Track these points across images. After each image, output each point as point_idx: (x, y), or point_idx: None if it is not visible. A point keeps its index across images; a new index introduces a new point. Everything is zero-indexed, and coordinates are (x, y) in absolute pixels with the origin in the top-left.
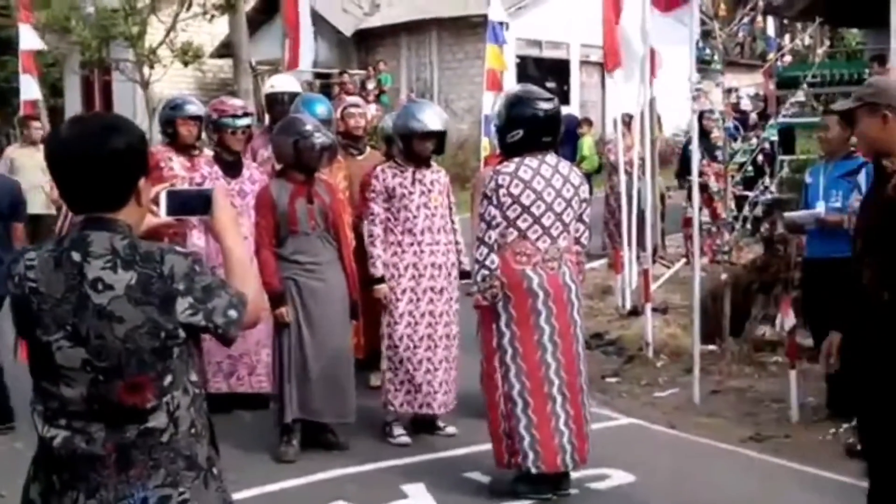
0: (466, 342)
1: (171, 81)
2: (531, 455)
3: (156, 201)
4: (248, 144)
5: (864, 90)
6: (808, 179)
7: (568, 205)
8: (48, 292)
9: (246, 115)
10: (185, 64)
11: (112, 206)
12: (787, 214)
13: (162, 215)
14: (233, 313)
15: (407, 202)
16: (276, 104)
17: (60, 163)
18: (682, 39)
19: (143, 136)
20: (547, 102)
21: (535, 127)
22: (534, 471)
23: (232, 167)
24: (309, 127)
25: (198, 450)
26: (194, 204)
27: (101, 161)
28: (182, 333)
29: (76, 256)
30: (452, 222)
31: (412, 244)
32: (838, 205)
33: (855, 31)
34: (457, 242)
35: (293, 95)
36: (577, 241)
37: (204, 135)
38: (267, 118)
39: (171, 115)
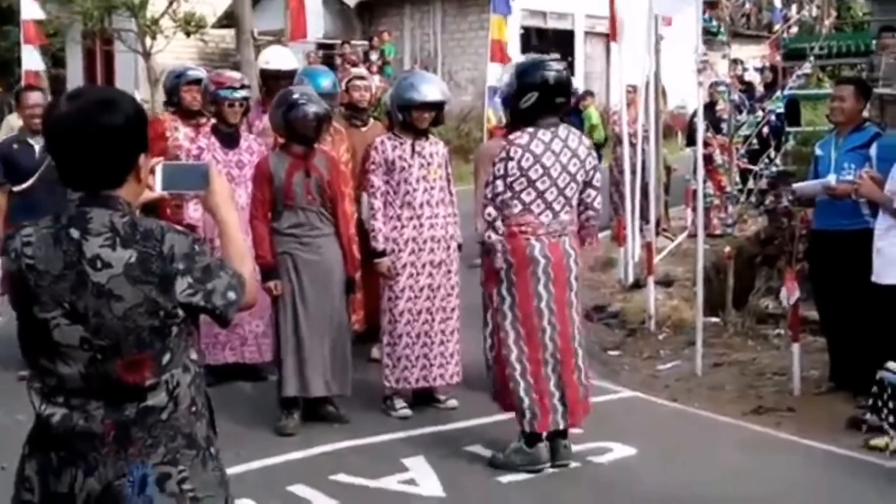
0: (468, 315)
1: (174, 52)
2: (528, 415)
3: (152, 174)
4: (247, 116)
5: None
6: (818, 152)
7: (572, 179)
8: (46, 269)
9: (243, 87)
10: (188, 34)
11: (111, 184)
12: (795, 186)
13: (157, 189)
14: (232, 295)
15: (406, 175)
16: (270, 79)
17: (58, 140)
18: (688, 11)
19: (141, 112)
20: (557, 64)
21: (548, 89)
22: (528, 430)
23: (230, 138)
24: (297, 96)
25: (197, 429)
26: (189, 179)
27: (99, 138)
28: (181, 312)
29: (75, 233)
30: (451, 194)
31: (411, 218)
32: (850, 177)
33: (861, 1)
34: (454, 214)
35: (288, 73)
36: (590, 205)
37: None
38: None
39: (174, 83)
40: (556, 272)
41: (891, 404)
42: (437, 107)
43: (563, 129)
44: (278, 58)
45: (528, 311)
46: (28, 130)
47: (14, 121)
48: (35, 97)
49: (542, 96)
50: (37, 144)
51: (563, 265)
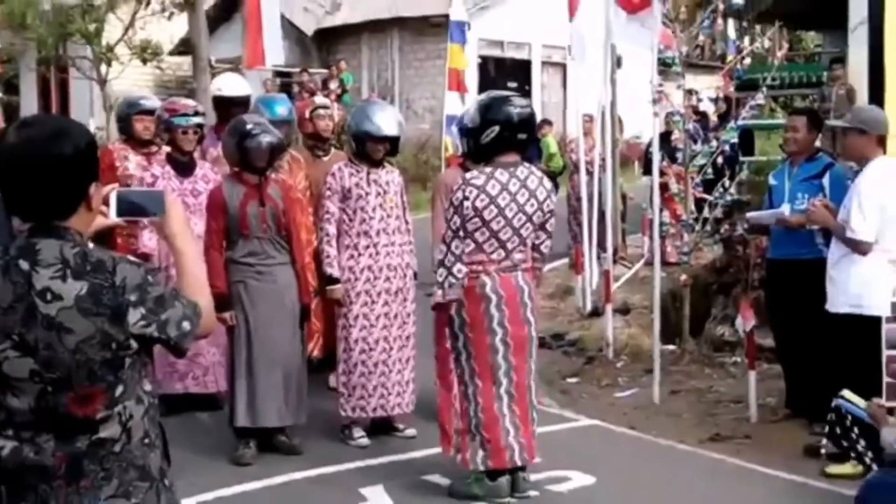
0: (424, 343)
1: (130, 79)
2: (480, 453)
3: (106, 202)
4: (201, 144)
5: (856, 117)
6: (772, 181)
7: (528, 220)
8: None
9: (197, 114)
10: (144, 62)
11: (62, 214)
12: (749, 215)
13: (112, 216)
14: (186, 325)
15: (363, 203)
16: (222, 107)
17: (6, 170)
18: (644, 42)
19: (92, 141)
20: (521, 101)
21: (511, 125)
22: (482, 468)
23: (184, 167)
24: (250, 126)
25: (151, 460)
26: (145, 205)
27: (48, 168)
28: (134, 344)
29: (24, 265)
30: (406, 222)
31: (367, 246)
32: (804, 207)
33: (812, 33)
34: (410, 242)
35: (241, 100)
36: (537, 248)
37: None
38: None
39: (126, 112)
40: (511, 308)
41: (856, 430)
42: (393, 139)
43: (522, 170)
44: (231, 85)
45: (482, 348)
46: None
47: None
48: None
49: (504, 132)
50: None
51: (518, 300)
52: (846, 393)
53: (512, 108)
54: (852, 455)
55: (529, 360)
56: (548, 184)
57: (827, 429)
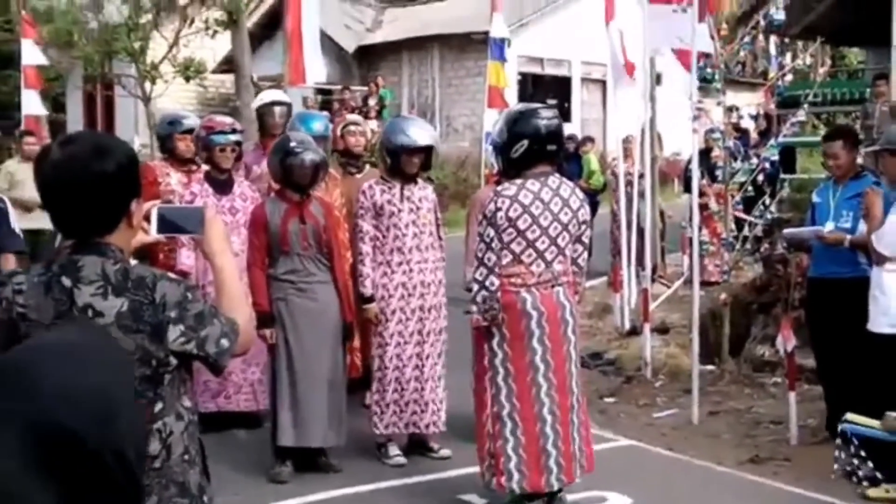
0: (460, 360)
1: (173, 97)
2: (516, 475)
3: (147, 218)
4: (239, 161)
5: (886, 139)
6: (815, 199)
7: (564, 229)
8: (37, 318)
9: (235, 131)
10: (188, 79)
11: (103, 231)
12: (787, 231)
13: (153, 233)
14: (225, 342)
15: (396, 220)
16: (266, 117)
17: (50, 187)
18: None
19: (134, 157)
20: (548, 112)
21: (539, 137)
22: (517, 491)
23: (222, 184)
24: (294, 144)
25: (190, 476)
26: (186, 222)
27: (90, 186)
28: (174, 361)
29: (66, 282)
30: (440, 238)
31: (401, 263)
32: (848, 225)
33: (856, 49)
34: (443, 259)
35: (283, 105)
36: (575, 261)
37: None
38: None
39: (168, 131)
40: (551, 325)
41: (863, 452)
42: (427, 151)
43: (553, 179)
44: (270, 94)
45: (521, 365)
46: None
47: (13, 166)
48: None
49: (534, 145)
50: None
51: (558, 317)
52: (849, 416)
53: (539, 120)
54: (855, 479)
55: (571, 378)
56: (580, 193)
57: (852, 451)
